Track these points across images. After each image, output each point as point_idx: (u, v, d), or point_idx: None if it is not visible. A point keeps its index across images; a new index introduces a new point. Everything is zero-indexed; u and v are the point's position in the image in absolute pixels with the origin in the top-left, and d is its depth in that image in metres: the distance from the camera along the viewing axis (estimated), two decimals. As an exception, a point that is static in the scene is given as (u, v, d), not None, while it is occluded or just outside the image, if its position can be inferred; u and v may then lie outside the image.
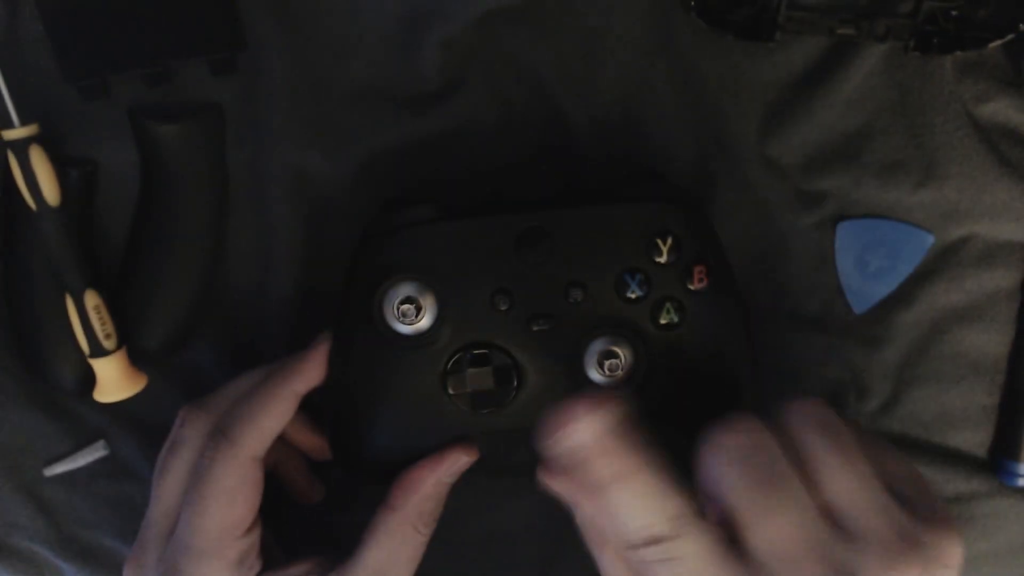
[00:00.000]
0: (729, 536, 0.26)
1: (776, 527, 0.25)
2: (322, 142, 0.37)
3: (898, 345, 0.40)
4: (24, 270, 0.37)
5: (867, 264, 0.39)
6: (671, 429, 0.27)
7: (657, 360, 0.32)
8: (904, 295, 0.39)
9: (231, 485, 0.32)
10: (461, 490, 0.33)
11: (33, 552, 0.41)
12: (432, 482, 0.32)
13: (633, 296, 0.32)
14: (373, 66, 0.37)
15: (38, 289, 0.37)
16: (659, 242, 0.32)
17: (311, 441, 0.38)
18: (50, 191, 0.34)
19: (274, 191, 0.37)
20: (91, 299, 0.35)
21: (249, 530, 0.33)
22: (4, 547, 0.40)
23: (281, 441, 0.36)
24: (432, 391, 0.33)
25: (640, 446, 0.26)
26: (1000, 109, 0.37)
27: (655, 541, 0.25)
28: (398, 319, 0.32)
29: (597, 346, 0.32)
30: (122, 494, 0.40)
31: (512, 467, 0.33)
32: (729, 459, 0.26)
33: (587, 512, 0.28)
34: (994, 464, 0.41)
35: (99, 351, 0.36)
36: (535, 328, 0.32)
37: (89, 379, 0.37)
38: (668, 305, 0.32)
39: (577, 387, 0.32)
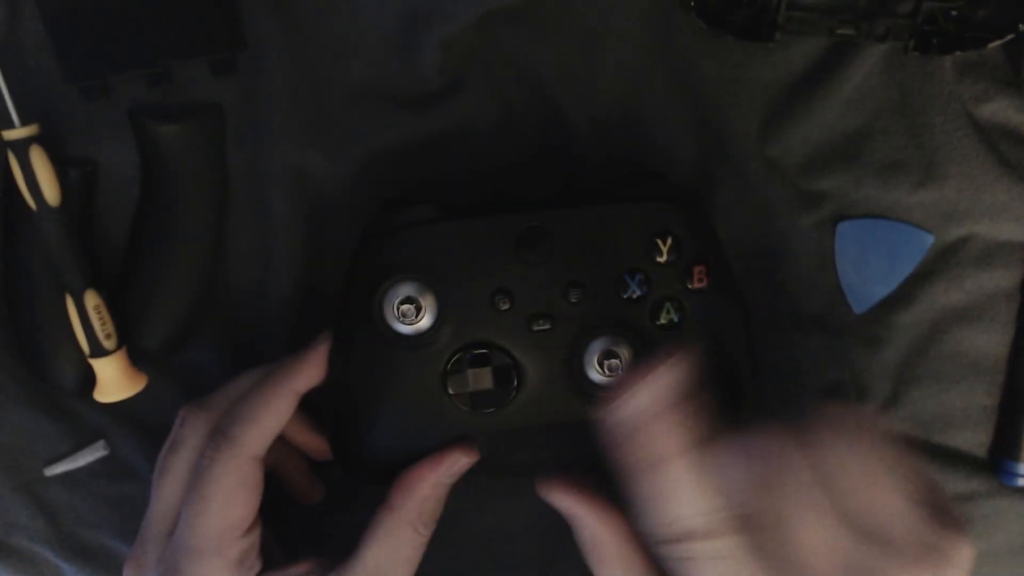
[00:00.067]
0: (754, 542, 0.25)
1: (798, 533, 0.25)
2: (322, 142, 0.37)
3: (898, 345, 0.40)
4: (24, 270, 0.37)
5: (867, 264, 0.39)
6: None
7: None
8: (904, 295, 0.39)
9: (231, 485, 0.32)
10: (461, 490, 0.33)
11: (33, 552, 0.41)
12: (432, 482, 0.32)
13: (633, 296, 0.32)
14: (373, 66, 0.37)
15: (38, 289, 0.37)
16: (659, 242, 0.32)
17: (311, 441, 0.38)
18: (50, 191, 0.34)
19: (274, 191, 0.37)
20: (91, 299, 0.35)
21: (249, 530, 0.33)
22: (4, 547, 0.40)
23: (281, 441, 0.36)
24: (432, 391, 0.33)
25: (702, 420, 0.25)
26: (1000, 109, 0.37)
27: (698, 536, 0.25)
28: (398, 319, 0.32)
29: (597, 346, 0.32)
30: (122, 494, 0.40)
31: (512, 467, 0.33)
32: (751, 465, 0.26)
33: (636, 491, 0.27)
34: (994, 464, 0.41)
35: (99, 351, 0.36)
36: (535, 328, 0.32)
37: (89, 379, 0.37)
38: (668, 305, 0.32)
39: (577, 387, 0.32)
